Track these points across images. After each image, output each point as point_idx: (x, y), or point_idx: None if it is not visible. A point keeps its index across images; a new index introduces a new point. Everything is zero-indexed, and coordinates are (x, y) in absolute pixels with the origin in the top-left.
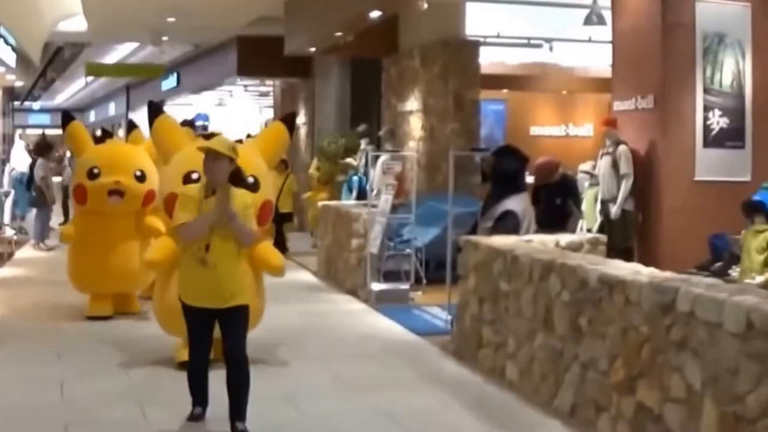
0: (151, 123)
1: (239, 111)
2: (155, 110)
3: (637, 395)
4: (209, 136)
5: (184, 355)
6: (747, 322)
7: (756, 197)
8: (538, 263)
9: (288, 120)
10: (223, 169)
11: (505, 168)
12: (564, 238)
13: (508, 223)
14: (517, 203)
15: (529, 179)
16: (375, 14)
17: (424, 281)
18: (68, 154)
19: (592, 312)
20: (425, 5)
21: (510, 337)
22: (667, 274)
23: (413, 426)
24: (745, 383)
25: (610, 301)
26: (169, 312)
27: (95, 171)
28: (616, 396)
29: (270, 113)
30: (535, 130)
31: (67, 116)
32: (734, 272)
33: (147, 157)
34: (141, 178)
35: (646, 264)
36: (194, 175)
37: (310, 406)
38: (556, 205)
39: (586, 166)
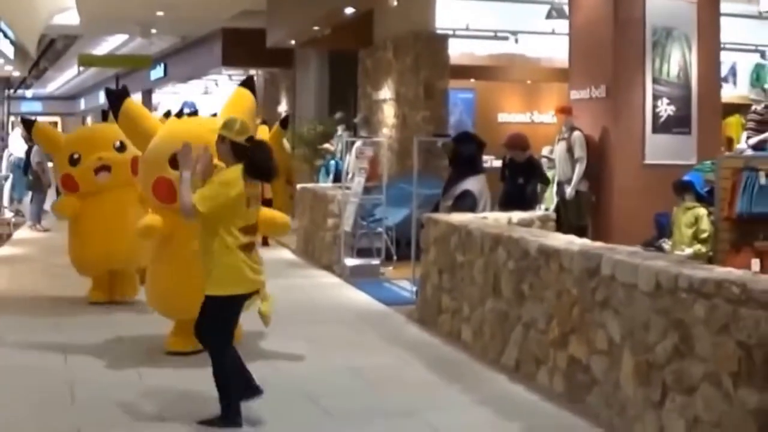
0: (116, 111)
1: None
2: (118, 96)
3: (569, 349)
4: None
5: (175, 345)
6: (656, 282)
7: (686, 177)
8: (487, 236)
9: (248, 83)
10: (220, 149)
11: (463, 152)
12: (516, 216)
13: (467, 202)
14: (475, 184)
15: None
16: (349, 10)
17: (395, 257)
18: None
19: (532, 278)
20: (395, 2)
21: (465, 303)
22: (597, 244)
23: (375, 380)
24: (654, 335)
25: (547, 268)
26: (164, 295)
27: (75, 156)
28: (552, 351)
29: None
30: (502, 117)
31: (28, 121)
32: (666, 245)
33: (120, 131)
34: (121, 148)
35: (600, 240)
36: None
37: (285, 365)
38: (519, 184)
39: (544, 150)
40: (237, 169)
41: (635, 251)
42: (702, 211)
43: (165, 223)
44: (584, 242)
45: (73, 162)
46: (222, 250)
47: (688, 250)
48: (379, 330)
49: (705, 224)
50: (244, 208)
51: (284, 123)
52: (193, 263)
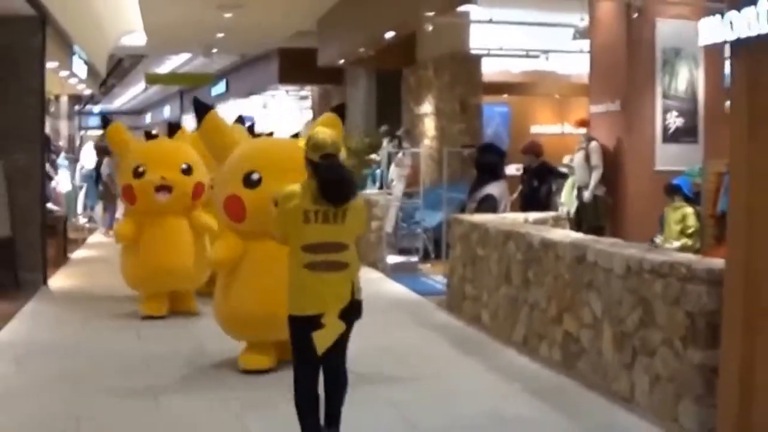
0: (199, 121)
1: (282, 113)
2: (203, 108)
3: (563, 325)
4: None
5: (251, 363)
6: (627, 266)
7: (675, 181)
8: (500, 233)
9: (339, 110)
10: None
11: (485, 160)
12: (532, 215)
13: (489, 204)
14: (496, 188)
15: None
16: (389, 34)
17: (433, 255)
18: None
19: (536, 267)
20: (430, 27)
21: (483, 290)
22: (585, 236)
23: (403, 353)
24: (625, 310)
25: (546, 257)
26: (235, 315)
27: (140, 169)
28: (550, 327)
29: (309, 114)
30: (535, 129)
31: (105, 119)
32: (658, 239)
33: (193, 151)
34: (187, 171)
35: (618, 236)
36: (254, 176)
37: None
38: (534, 187)
39: (565, 159)
40: (298, 185)
41: (615, 242)
42: (689, 210)
43: (234, 246)
44: (576, 235)
45: (137, 174)
46: (290, 269)
47: (677, 244)
48: (411, 315)
49: (691, 221)
50: (300, 224)
51: (341, 113)
52: (266, 282)
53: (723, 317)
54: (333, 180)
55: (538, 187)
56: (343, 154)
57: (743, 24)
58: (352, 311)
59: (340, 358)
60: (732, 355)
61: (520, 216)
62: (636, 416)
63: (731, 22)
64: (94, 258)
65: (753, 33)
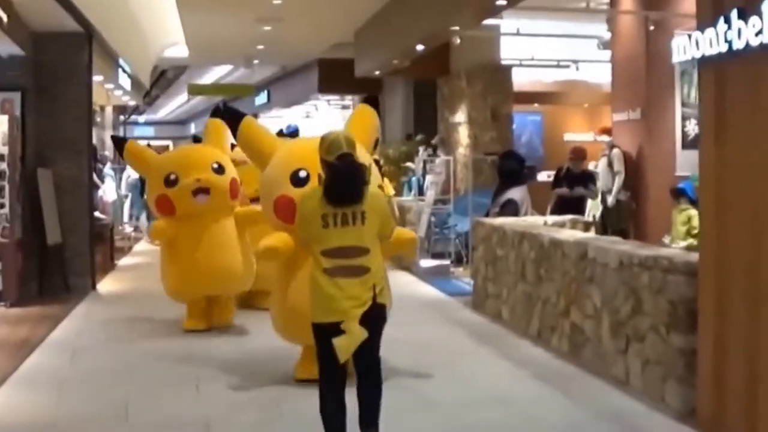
0: (234, 130)
1: (324, 122)
2: (237, 117)
3: (570, 317)
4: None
5: (304, 372)
6: (619, 261)
7: (680, 185)
8: (516, 234)
9: (370, 101)
10: None
11: (507, 167)
12: (551, 218)
13: (510, 208)
14: (517, 193)
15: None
16: (420, 47)
17: (465, 259)
18: None
19: (547, 264)
20: (458, 41)
21: (503, 288)
22: (587, 235)
23: (427, 345)
24: (620, 300)
25: (555, 255)
26: (292, 315)
27: (172, 177)
28: (560, 320)
29: None
30: (568, 137)
31: (118, 139)
32: (666, 240)
33: (218, 151)
34: (219, 170)
35: (640, 240)
36: (302, 173)
37: None
38: (577, 191)
39: (590, 165)
40: (315, 188)
41: (614, 240)
42: (693, 212)
43: (286, 239)
44: (580, 234)
45: (170, 183)
46: (311, 274)
47: (683, 244)
48: (439, 313)
49: (695, 222)
50: (318, 228)
51: (373, 103)
52: None
53: (699, 304)
54: (344, 182)
55: (582, 191)
56: (362, 152)
57: (706, 43)
58: (373, 316)
59: (371, 363)
60: (707, 338)
61: (538, 219)
62: (630, 397)
63: (697, 42)
64: (139, 265)
65: (714, 51)
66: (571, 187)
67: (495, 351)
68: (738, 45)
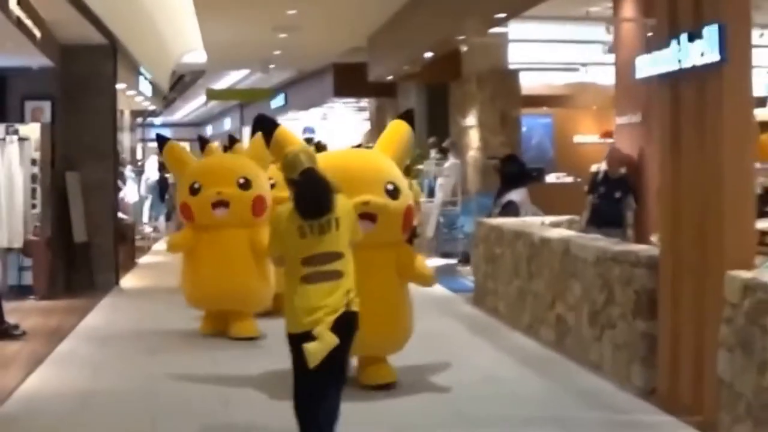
0: (268, 138)
1: (341, 124)
2: (271, 125)
3: (556, 309)
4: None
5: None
6: (596, 256)
7: None
8: (511, 233)
9: (407, 116)
10: None
11: (508, 170)
12: (549, 219)
13: (511, 209)
14: (518, 195)
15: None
16: (428, 54)
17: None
18: None
19: (537, 261)
20: (464, 48)
21: (500, 284)
22: (570, 233)
23: (426, 337)
24: (595, 292)
25: (543, 252)
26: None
27: (196, 186)
28: (547, 312)
29: (367, 125)
30: (578, 139)
31: (162, 139)
32: (654, 239)
33: (251, 164)
34: (245, 185)
35: (640, 236)
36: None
37: None
38: (616, 198)
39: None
40: (285, 206)
41: (595, 237)
42: None
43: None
44: (566, 232)
45: (194, 192)
46: (287, 285)
47: None
48: (441, 309)
49: None
50: (296, 240)
51: (409, 119)
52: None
53: (658, 294)
54: (309, 196)
55: (621, 198)
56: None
57: (663, 62)
58: (345, 324)
59: (338, 370)
60: (665, 325)
61: (536, 219)
62: (602, 379)
63: (655, 60)
64: (159, 263)
65: (669, 69)
66: (610, 193)
67: (487, 341)
68: (687, 64)
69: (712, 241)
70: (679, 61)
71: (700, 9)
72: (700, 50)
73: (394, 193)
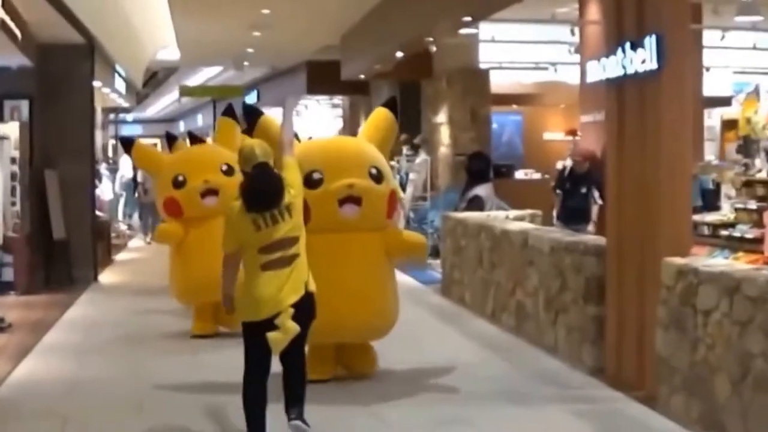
0: (251, 127)
1: (315, 120)
2: (255, 114)
3: (516, 296)
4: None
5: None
6: (551, 247)
7: None
8: (475, 226)
9: (390, 104)
10: None
11: (475, 166)
12: (512, 213)
13: (476, 204)
14: (483, 190)
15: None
16: (399, 54)
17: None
18: None
19: (499, 252)
20: (434, 49)
21: (465, 274)
22: (530, 225)
23: (399, 326)
24: (551, 280)
25: (504, 244)
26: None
27: (180, 178)
28: (508, 299)
29: (341, 123)
30: (547, 136)
31: (126, 141)
32: None
33: (229, 152)
34: (229, 171)
35: (603, 230)
36: (315, 175)
37: None
38: (582, 193)
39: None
40: (235, 202)
41: (551, 229)
42: None
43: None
44: (525, 225)
45: (178, 185)
46: (246, 275)
47: None
48: (410, 299)
49: None
50: (251, 233)
51: (392, 107)
52: (336, 285)
53: (606, 281)
54: (256, 189)
55: (586, 193)
56: (375, 154)
57: (610, 67)
58: (305, 307)
59: (298, 355)
60: (612, 308)
61: (500, 213)
62: (557, 360)
63: (604, 66)
64: (135, 259)
65: (615, 75)
66: (575, 188)
67: (452, 328)
68: (630, 70)
69: (652, 231)
70: (624, 67)
71: (643, 19)
72: (642, 58)
73: (377, 177)
